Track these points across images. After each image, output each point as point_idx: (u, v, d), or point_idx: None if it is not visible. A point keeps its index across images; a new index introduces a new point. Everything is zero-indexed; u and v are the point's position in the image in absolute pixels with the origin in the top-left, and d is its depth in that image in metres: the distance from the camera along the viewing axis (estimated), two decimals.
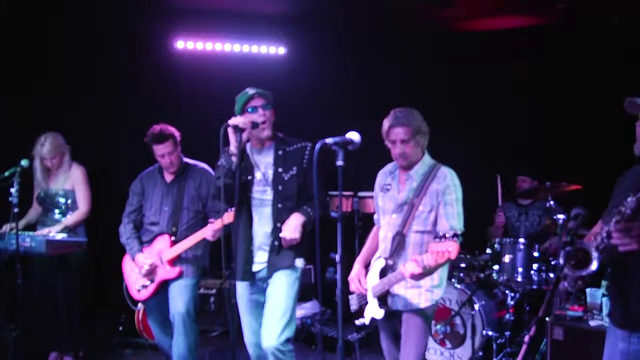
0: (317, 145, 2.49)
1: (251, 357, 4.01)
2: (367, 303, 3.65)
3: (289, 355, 3.78)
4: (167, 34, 6.72)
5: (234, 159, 3.67)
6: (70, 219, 5.14)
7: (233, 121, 3.61)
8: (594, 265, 2.57)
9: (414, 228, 3.50)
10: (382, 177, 3.79)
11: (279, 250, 3.81)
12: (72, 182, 5.24)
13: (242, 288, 3.95)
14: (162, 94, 6.64)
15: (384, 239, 3.63)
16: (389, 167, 3.77)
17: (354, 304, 3.77)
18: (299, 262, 3.88)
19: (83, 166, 5.32)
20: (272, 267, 3.82)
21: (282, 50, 7.01)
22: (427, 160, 3.60)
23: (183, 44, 6.76)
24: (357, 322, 3.68)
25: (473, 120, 6.63)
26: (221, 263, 3.89)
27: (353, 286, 3.69)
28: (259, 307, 3.92)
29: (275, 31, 6.89)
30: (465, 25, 6.48)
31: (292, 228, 3.74)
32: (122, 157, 6.48)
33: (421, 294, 3.50)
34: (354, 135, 2.55)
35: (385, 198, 3.67)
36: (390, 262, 3.52)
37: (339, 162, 2.50)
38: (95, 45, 6.37)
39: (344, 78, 6.93)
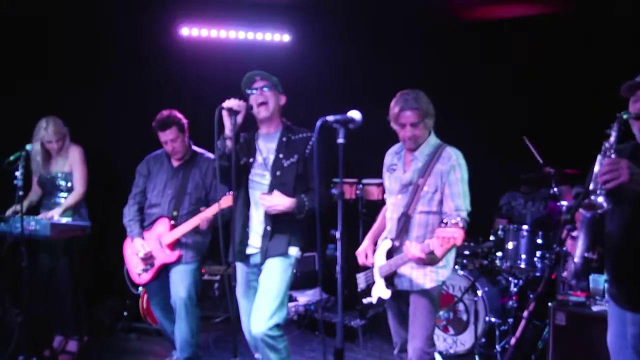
0: (318, 123, 2.49)
1: (249, 343, 4.02)
2: (374, 282, 3.69)
3: (279, 341, 3.75)
4: (172, 21, 6.74)
5: (228, 142, 3.68)
6: (69, 200, 5.14)
7: (227, 104, 3.63)
8: (605, 204, 2.56)
9: (419, 209, 3.52)
10: (389, 157, 3.81)
11: (271, 236, 3.80)
12: (70, 163, 5.21)
13: (240, 273, 3.96)
14: (166, 80, 6.64)
15: (390, 219, 3.67)
16: (396, 147, 3.78)
17: (361, 283, 3.80)
18: (293, 251, 3.85)
19: (81, 146, 5.28)
20: (265, 253, 3.81)
21: (286, 38, 7.02)
22: (432, 140, 3.61)
23: (188, 31, 6.78)
24: (365, 300, 3.72)
25: (478, 107, 6.60)
26: (225, 249, 3.92)
27: (360, 259, 3.78)
28: (255, 293, 3.90)
29: (280, 19, 6.90)
30: (472, 13, 6.46)
31: (272, 198, 3.71)
32: (126, 143, 6.49)
33: (426, 275, 3.52)
34: (355, 114, 2.54)
35: (391, 178, 3.70)
36: (396, 243, 3.55)
37: (340, 140, 2.50)
38: (100, 32, 6.39)
39: (348, 65, 6.92)
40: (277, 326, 3.73)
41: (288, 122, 3.97)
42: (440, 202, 3.49)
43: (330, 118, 2.52)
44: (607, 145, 2.66)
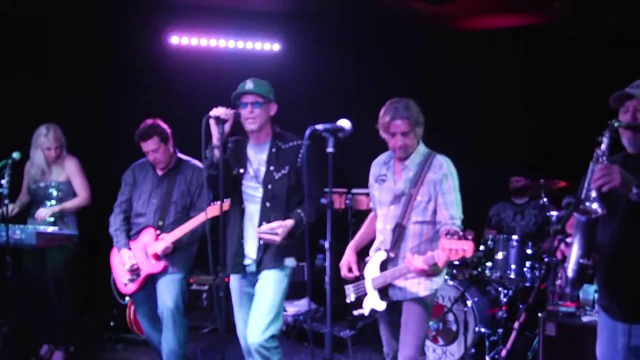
0: (307, 132, 2.46)
1: (243, 349, 3.98)
2: (365, 294, 3.61)
3: (274, 352, 3.75)
4: (162, 30, 6.72)
5: (216, 151, 3.64)
6: (71, 203, 5.14)
7: (214, 112, 3.60)
8: (599, 210, 2.56)
9: (413, 219, 3.49)
10: (376, 167, 3.75)
11: (265, 249, 3.78)
12: (66, 173, 5.21)
13: (234, 281, 3.95)
14: (156, 89, 6.62)
15: (383, 230, 3.61)
16: (383, 157, 3.73)
17: (351, 295, 3.71)
18: (289, 262, 3.84)
19: (75, 156, 5.29)
20: (260, 265, 3.79)
21: (276, 47, 7.02)
22: (422, 149, 3.58)
23: (177, 40, 6.76)
24: (356, 312, 3.64)
25: (469, 117, 6.62)
26: (213, 259, 3.87)
27: (343, 272, 3.69)
28: (250, 300, 3.88)
29: (270, 28, 6.89)
30: (462, 23, 6.49)
31: (270, 228, 3.68)
32: (116, 152, 6.44)
33: (420, 283, 3.47)
34: (344, 123, 2.53)
35: (382, 189, 3.63)
36: (392, 254, 3.51)
37: (329, 149, 2.48)
38: (90, 42, 6.36)
39: (338, 75, 6.93)
40: (273, 337, 3.72)
41: (277, 129, 3.92)
42: (434, 212, 3.47)
43: (319, 127, 2.50)
44: (599, 152, 2.68)
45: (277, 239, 3.66)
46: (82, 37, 6.31)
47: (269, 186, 3.78)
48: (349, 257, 3.71)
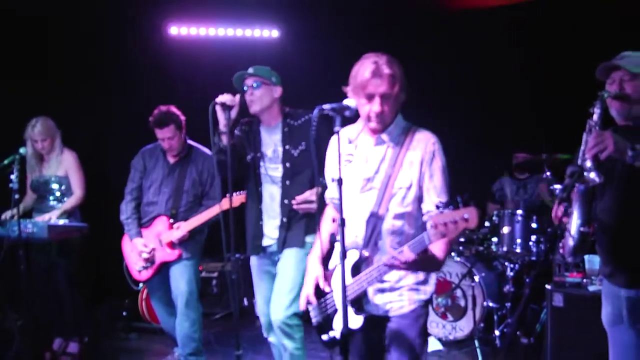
0: (315, 112, 2.51)
1: (263, 327, 4.07)
2: (335, 311, 2.86)
3: (296, 330, 3.80)
4: (161, 20, 6.76)
5: (223, 137, 3.69)
6: (68, 204, 5.15)
7: (220, 99, 3.64)
8: (597, 178, 2.58)
9: (392, 210, 2.77)
10: (342, 145, 2.75)
11: (287, 227, 3.83)
12: (64, 168, 5.21)
13: (254, 260, 4.01)
14: (157, 79, 6.65)
15: (352, 225, 2.78)
16: (349, 130, 2.95)
17: (316, 316, 2.95)
18: (310, 238, 3.86)
19: (74, 151, 5.29)
20: (282, 244, 3.85)
21: (275, 34, 7.06)
22: (400, 121, 2.88)
23: (177, 30, 6.81)
24: (325, 337, 2.88)
25: (471, 95, 6.64)
26: (222, 246, 3.91)
27: (308, 291, 2.95)
28: (271, 278, 3.95)
29: (268, 15, 6.93)
30: (460, 2, 6.50)
31: (304, 198, 3.72)
32: (118, 143, 6.49)
33: (402, 295, 2.81)
34: (350, 102, 2.55)
35: (348, 172, 2.85)
36: (365, 253, 2.76)
37: (337, 128, 2.51)
38: (90, 34, 6.39)
39: (337, 61, 6.88)
40: (295, 315, 3.77)
41: (287, 109, 3.95)
42: (418, 200, 2.77)
43: (326, 106, 2.51)
44: (591, 122, 2.74)
45: (314, 206, 3.69)
46: (82, 30, 6.34)
47: (287, 164, 3.83)
48: (314, 269, 2.96)
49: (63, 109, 5.65)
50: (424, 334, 2.90)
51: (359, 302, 2.77)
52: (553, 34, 6.37)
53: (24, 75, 6.20)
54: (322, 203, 3.74)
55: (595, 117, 2.73)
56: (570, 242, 2.81)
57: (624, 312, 2.87)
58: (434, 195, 2.73)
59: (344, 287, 2.42)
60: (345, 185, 2.65)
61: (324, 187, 3.73)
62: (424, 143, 2.79)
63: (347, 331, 2.55)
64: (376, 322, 2.82)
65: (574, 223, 2.78)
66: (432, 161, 2.77)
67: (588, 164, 2.57)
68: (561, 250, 2.93)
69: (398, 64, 2.76)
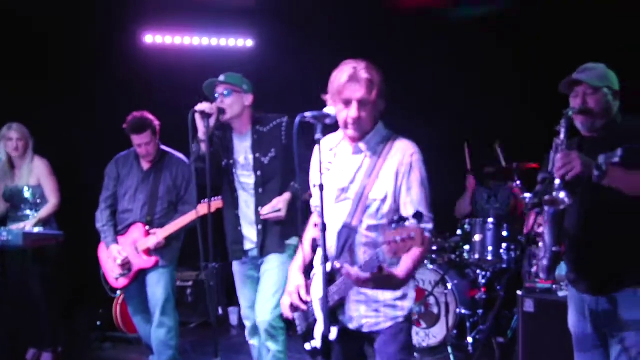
0: (297, 119, 2.56)
1: (246, 330, 4.12)
2: (316, 320, 2.81)
3: (280, 332, 3.87)
4: (136, 29, 6.77)
5: (202, 145, 3.72)
6: (43, 212, 5.12)
7: (199, 107, 3.67)
8: (567, 199, 2.64)
9: (366, 222, 2.69)
10: (322, 153, 2.75)
11: (265, 233, 3.88)
12: (36, 175, 5.17)
13: (237, 266, 4.05)
14: (132, 88, 6.65)
15: (329, 235, 2.68)
16: (330, 139, 2.91)
17: (300, 325, 2.92)
18: (291, 241, 3.93)
19: (46, 159, 5.26)
20: (263, 250, 3.90)
21: (249, 43, 7.11)
22: (381, 129, 2.80)
23: (152, 38, 6.82)
24: (308, 346, 2.83)
25: (443, 99, 6.72)
26: (197, 255, 3.92)
27: (292, 299, 2.87)
28: (254, 282, 4.01)
29: (243, 24, 6.98)
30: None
31: (272, 207, 3.79)
32: (93, 150, 6.47)
33: (379, 311, 2.73)
34: (330, 110, 2.60)
35: (326, 181, 2.73)
36: (337, 264, 2.66)
37: (318, 136, 2.56)
38: (64, 41, 6.37)
39: (311, 70, 6.96)
40: (281, 317, 3.80)
41: (256, 115, 3.98)
42: (394, 212, 2.65)
43: (307, 114, 2.54)
44: (558, 141, 2.80)
45: (282, 214, 3.79)
46: (56, 37, 6.32)
47: (259, 172, 3.88)
48: (295, 279, 2.89)
49: (37, 117, 5.62)
50: (407, 350, 2.80)
51: (334, 314, 2.72)
52: (527, 44, 6.48)
53: None
54: (293, 208, 3.83)
55: (561, 135, 2.79)
56: (545, 262, 2.89)
57: (587, 317, 2.98)
58: (411, 210, 2.59)
59: (325, 291, 2.44)
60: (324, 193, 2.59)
61: (296, 193, 3.81)
62: (402, 153, 2.71)
63: (326, 337, 2.53)
64: (353, 335, 2.76)
65: (546, 243, 2.86)
66: (410, 173, 2.68)
67: (557, 182, 2.64)
68: (534, 270, 3.02)
69: (377, 71, 2.71)
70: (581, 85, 2.89)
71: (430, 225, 2.63)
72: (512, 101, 6.45)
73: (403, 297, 2.74)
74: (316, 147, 2.60)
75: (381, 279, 2.42)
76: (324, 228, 2.43)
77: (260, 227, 3.87)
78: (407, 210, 2.62)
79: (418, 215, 2.34)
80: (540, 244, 2.93)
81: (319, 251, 2.69)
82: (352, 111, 2.66)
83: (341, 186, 2.78)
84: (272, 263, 3.88)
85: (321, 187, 2.50)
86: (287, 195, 3.85)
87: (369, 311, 2.72)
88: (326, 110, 2.61)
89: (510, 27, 6.50)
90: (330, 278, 2.65)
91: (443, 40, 6.64)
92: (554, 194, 2.65)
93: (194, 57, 6.90)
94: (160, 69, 6.83)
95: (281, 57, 6.99)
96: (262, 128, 3.94)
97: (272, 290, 3.83)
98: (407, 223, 2.26)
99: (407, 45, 6.72)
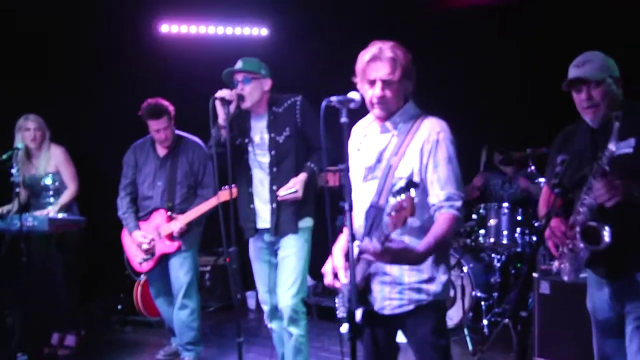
0: (323, 104, 2.60)
1: (265, 314, 4.19)
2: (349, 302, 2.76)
3: (302, 316, 3.96)
4: (152, 18, 6.83)
5: (222, 131, 3.78)
6: (64, 198, 5.21)
7: (219, 94, 3.73)
8: (607, 238, 2.72)
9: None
10: (355, 134, 2.93)
11: (278, 213, 3.92)
12: (54, 163, 5.27)
13: (252, 248, 4.11)
14: (148, 76, 6.71)
15: (356, 214, 2.72)
16: (363, 121, 2.95)
17: (341, 311, 2.87)
18: (304, 223, 3.97)
19: (62, 146, 5.35)
20: (276, 231, 3.94)
21: (264, 32, 7.16)
22: (410, 109, 2.79)
23: (168, 28, 6.89)
24: (343, 330, 2.79)
25: (456, 89, 6.75)
26: (215, 240, 3.96)
27: (326, 280, 2.84)
28: (271, 267, 4.07)
29: (257, 13, 7.03)
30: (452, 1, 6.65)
31: (288, 187, 3.83)
32: (109, 139, 6.55)
33: (403, 293, 2.70)
34: (355, 95, 2.67)
35: (355, 161, 2.84)
36: (362, 243, 2.65)
37: (343, 119, 2.61)
38: (82, 32, 6.43)
39: (326, 59, 7.06)
40: (302, 301, 3.95)
41: (272, 97, 4.03)
42: (423, 190, 2.63)
43: (333, 98, 2.59)
44: (599, 168, 2.72)
45: (299, 195, 3.84)
46: (73, 28, 6.38)
47: (273, 152, 3.93)
48: (334, 260, 2.79)
49: (55, 107, 5.72)
50: (439, 333, 2.74)
51: (363, 295, 2.71)
52: (538, 28, 6.48)
53: (17, 74, 6.23)
54: (308, 188, 3.88)
55: (603, 159, 2.69)
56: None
57: (606, 297, 3.04)
58: (438, 188, 2.61)
59: (352, 269, 2.46)
60: (352, 174, 2.67)
61: (312, 172, 3.87)
62: (428, 131, 2.67)
63: (352, 318, 2.48)
64: (380, 319, 2.74)
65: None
66: (436, 151, 2.64)
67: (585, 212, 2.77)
68: (565, 278, 3.04)
69: (404, 51, 2.71)
70: (585, 84, 2.87)
71: (458, 203, 2.59)
72: (526, 86, 6.46)
73: (429, 280, 2.68)
74: (347, 129, 2.60)
75: (397, 252, 2.38)
76: (350, 208, 2.46)
77: (274, 205, 3.91)
78: (433, 189, 2.62)
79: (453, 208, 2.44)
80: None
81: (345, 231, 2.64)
82: (376, 90, 2.67)
83: (368, 165, 2.78)
84: (289, 249, 3.94)
85: (347, 168, 2.52)
86: (302, 176, 3.88)
87: (393, 293, 2.69)
88: (350, 94, 2.65)
89: (524, 12, 6.50)
90: (358, 258, 2.63)
91: (463, 31, 6.65)
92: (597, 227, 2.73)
93: (209, 46, 6.94)
94: (176, 58, 6.89)
95: (295, 45, 7.03)
96: (277, 108, 3.99)
97: (292, 277, 3.91)
98: (403, 194, 2.22)
99: (424, 37, 6.73)
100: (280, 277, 3.96)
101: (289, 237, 3.94)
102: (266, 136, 3.97)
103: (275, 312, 4.08)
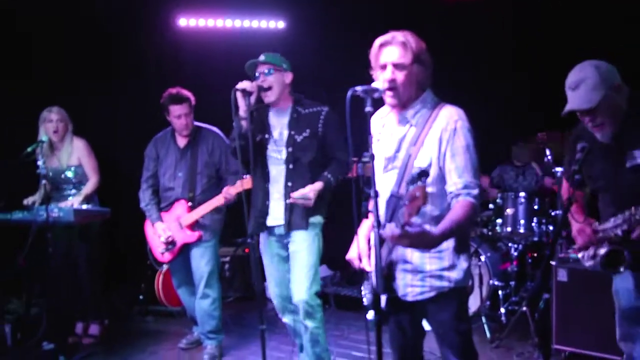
0: (349, 93, 2.64)
1: (276, 308, 4.24)
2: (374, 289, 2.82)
3: (317, 309, 4.01)
4: (170, 12, 6.91)
5: (243, 122, 3.83)
6: (86, 189, 5.30)
7: (240, 85, 3.78)
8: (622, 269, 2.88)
9: None
10: (374, 125, 2.93)
11: (291, 209, 3.98)
12: (77, 156, 5.35)
13: (263, 243, 4.16)
14: (166, 70, 6.80)
15: (381, 204, 2.77)
16: (380, 111, 2.98)
17: (368, 298, 2.96)
18: (315, 219, 4.04)
19: (84, 138, 5.44)
20: (288, 226, 4.00)
21: (281, 25, 7.21)
22: (428, 98, 2.80)
23: (186, 22, 6.97)
24: (369, 316, 2.78)
25: (468, 82, 6.77)
26: (234, 231, 3.99)
27: (356, 264, 2.90)
28: (281, 261, 4.12)
29: (274, 6, 7.08)
30: None
31: (303, 193, 3.89)
32: (128, 132, 6.65)
33: (424, 280, 2.75)
34: (378, 84, 2.72)
35: (376, 152, 2.84)
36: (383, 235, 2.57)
37: (368, 108, 2.65)
38: (100, 26, 6.50)
39: (342, 51, 7.08)
40: (316, 294, 3.99)
41: (297, 96, 4.11)
42: (440, 180, 2.69)
43: (358, 88, 2.63)
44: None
45: (310, 202, 3.90)
46: (92, 22, 6.45)
47: (290, 149, 3.99)
48: (359, 247, 2.87)
49: (76, 101, 5.76)
50: (461, 319, 2.80)
51: (387, 282, 2.76)
52: (549, 14, 6.49)
53: (37, 67, 6.33)
54: (321, 196, 3.94)
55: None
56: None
57: (632, 289, 3.08)
58: (455, 176, 2.63)
59: (378, 255, 2.49)
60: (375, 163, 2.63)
61: (327, 183, 3.93)
62: (445, 120, 2.68)
63: (377, 303, 2.54)
64: (403, 305, 2.79)
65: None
66: (453, 140, 2.65)
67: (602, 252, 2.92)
68: (587, 264, 3.09)
69: (417, 39, 2.72)
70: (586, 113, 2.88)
71: (475, 191, 2.61)
72: (538, 76, 6.47)
73: (450, 267, 2.72)
74: (371, 119, 2.63)
75: (415, 235, 2.34)
76: (376, 195, 2.49)
77: (288, 201, 3.97)
78: (451, 177, 2.65)
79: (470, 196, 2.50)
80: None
81: (371, 217, 2.70)
82: (387, 73, 2.68)
83: (388, 155, 2.81)
84: (300, 244, 3.99)
85: (372, 156, 2.54)
86: (318, 185, 3.94)
87: (415, 280, 2.74)
88: (374, 84, 2.69)
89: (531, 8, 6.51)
90: (381, 243, 2.60)
91: (480, 23, 6.66)
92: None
93: (226, 39, 7.00)
94: (194, 52, 6.97)
95: (312, 38, 7.07)
96: (302, 110, 4.05)
97: (305, 270, 3.96)
98: (416, 184, 2.26)
99: (442, 29, 6.75)
100: (294, 271, 4.01)
101: (299, 231, 4.00)
102: (285, 132, 4.03)
103: (286, 305, 4.14)
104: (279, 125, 4.07)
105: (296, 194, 3.91)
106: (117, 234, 6.33)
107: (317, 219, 4.07)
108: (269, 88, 3.93)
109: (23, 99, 6.04)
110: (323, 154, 4.04)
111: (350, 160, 4.03)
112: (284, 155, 4.02)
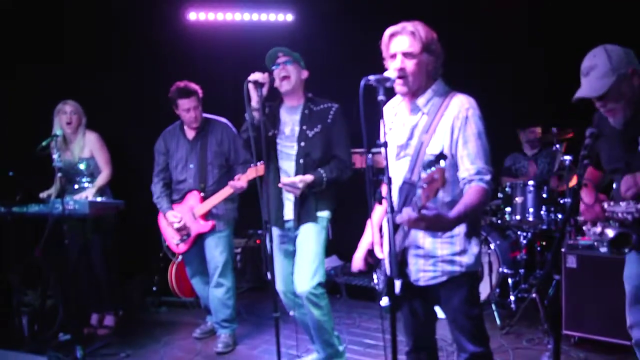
0: (362, 82, 2.68)
1: (283, 301, 4.30)
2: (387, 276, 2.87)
3: (322, 298, 4.07)
4: (180, 7, 6.97)
5: (255, 114, 3.90)
6: (99, 181, 5.37)
7: (253, 77, 3.83)
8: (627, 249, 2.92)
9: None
10: (386, 114, 2.92)
11: (300, 204, 4.05)
12: (89, 148, 5.42)
13: (276, 232, 4.21)
14: (176, 63, 6.82)
15: (394, 191, 2.75)
16: (393, 100, 3.02)
17: (380, 283, 3.01)
18: (323, 214, 4.11)
19: (97, 132, 5.51)
20: (298, 219, 4.08)
21: (289, 18, 7.25)
22: (439, 87, 2.85)
23: (195, 16, 7.03)
24: (382, 303, 2.71)
25: (478, 70, 6.79)
26: (245, 222, 4.02)
27: (359, 256, 3.04)
28: (288, 256, 4.20)
29: None
30: None
31: (292, 181, 3.94)
32: (139, 127, 6.70)
33: (436, 265, 2.81)
34: (390, 74, 2.76)
35: (389, 140, 2.86)
36: (398, 219, 2.61)
37: (380, 97, 2.69)
38: (111, 20, 6.56)
39: (351, 43, 7.11)
40: (320, 284, 4.04)
41: (310, 94, 4.20)
42: (452, 167, 2.73)
43: (371, 77, 2.67)
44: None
45: (297, 192, 3.97)
46: (102, 16, 6.52)
47: (302, 144, 4.06)
48: (372, 234, 2.99)
49: (86, 94, 5.81)
50: (471, 303, 2.82)
51: (401, 268, 2.81)
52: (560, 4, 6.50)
53: (45, 59, 6.35)
54: (311, 190, 4.00)
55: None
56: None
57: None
58: (468, 163, 2.68)
59: (392, 238, 2.51)
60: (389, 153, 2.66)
61: (319, 179, 3.97)
62: (457, 108, 2.73)
63: (391, 289, 2.52)
64: (416, 290, 2.85)
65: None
66: (465, 127, 2.70)
67: (610, 233, 2.91)
68: (602, 249, 3.10)
69: (427, 29, 2.77)
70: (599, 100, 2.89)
71: (487, 177, 2.66)
72: (549, 66, 6.48)
73: (462, 252, 2.77)
74: (383, 107, 2.66)
75: (431, 218, 2.39)
76: (389, 181, 2.53)
77: (279, 185, 4.03)
78: (463, 164, 2.69)
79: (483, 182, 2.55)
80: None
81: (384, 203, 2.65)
82: (396, 62, 2.73)
83: (400, 143, 2.87)
84: (307, 234, 4.06)
85: (385, 144, 2.59)
86: (309, 177, 3.97)
87: (427, 265, 2.80)
88: (386, 73, 2.74)
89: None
90: (395, 229, 2.65)
91: (480, 10, 6.68)
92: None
93: (235, 33, 7.05)
94: (203, 45, 7.02)
95: (321, 31, 7.10)
96: (314, 106, 4.12)
97: (308, 260, 4.02)
98: (434, 167, 2.27)
99: (452, 19, 6.77)
100: (298, 261, 4.07)
101: (307, 225, 4.06)
102: (297, 128, 4.09)
103: (294, 298, 4.21)
104: (291, 121, 4.14)
105: (285, 180, 3.98)
106: (130, 225, 6.39)
107: (325, 214, 4.14)
108: (287, 77, 4.01)
109: (36, 97, 6.10)
110: (331, 148, 4.11)
111: (350, 160, 4.13)
112: (295, 150, 4.08)
